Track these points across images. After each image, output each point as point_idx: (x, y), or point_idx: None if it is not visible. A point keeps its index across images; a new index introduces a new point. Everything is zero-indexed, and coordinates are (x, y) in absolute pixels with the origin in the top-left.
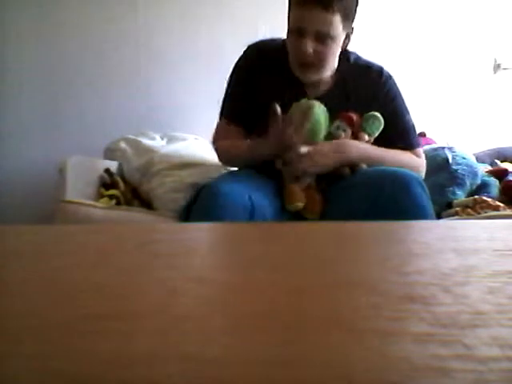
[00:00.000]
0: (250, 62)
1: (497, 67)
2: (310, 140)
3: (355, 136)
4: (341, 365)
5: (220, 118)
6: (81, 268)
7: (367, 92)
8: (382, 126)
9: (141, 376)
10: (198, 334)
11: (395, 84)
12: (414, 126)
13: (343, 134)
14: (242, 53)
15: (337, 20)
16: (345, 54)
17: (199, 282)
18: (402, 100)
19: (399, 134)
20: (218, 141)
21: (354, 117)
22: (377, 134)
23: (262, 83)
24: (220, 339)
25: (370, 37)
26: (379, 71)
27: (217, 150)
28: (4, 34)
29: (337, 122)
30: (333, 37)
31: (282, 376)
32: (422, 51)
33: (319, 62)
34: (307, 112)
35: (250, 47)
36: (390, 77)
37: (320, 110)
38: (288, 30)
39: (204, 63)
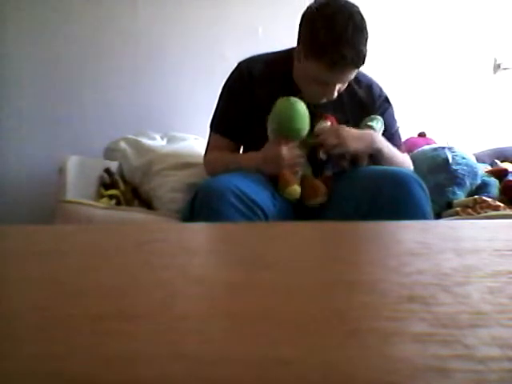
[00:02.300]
0: (241, 79)
1: (497, 67)
2: (296, 137)
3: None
4: (341, 365)
5: (210, 132)
6: (81, 268)
7: (362, 104)
8: (383, 126)
9: (141, 376)
10: (198, 334)
11: (386, 97)
12: (397, 130)
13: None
14: (232, 70)
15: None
16: None
17: (199, 281)
18: (393, 113)
19: (390, 139)
20: (207, 154)
21: (335, 121)
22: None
23: (258, 97)
24: (220, 339)
25: (370, 37)
26: (375, 89)
27: (204, 163)
28: (4, 34)
29: (322, 123)
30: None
31: (282, 376)
32: (422, 51)
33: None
34: (291, 108)
35: (240, 64)
36: (381, 90)
37: (303, 106)
38: (299, 51)
39: (204, 63)
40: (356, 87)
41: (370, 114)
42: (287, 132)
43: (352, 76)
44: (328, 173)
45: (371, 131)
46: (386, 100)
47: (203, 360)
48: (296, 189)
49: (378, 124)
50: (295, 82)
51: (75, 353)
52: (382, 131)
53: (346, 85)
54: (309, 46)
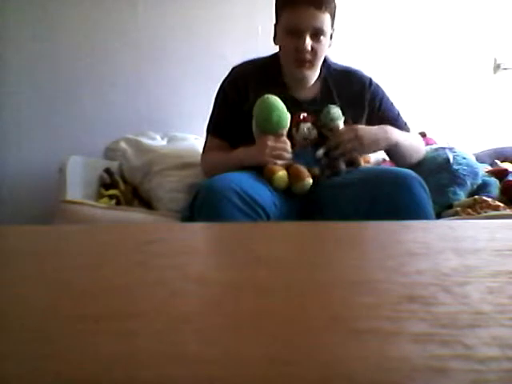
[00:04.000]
0: (234, 83)
1: (497, 67)
2: (278, 129)
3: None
4: (341, 365)
5: (207, 135)
6: (81, 268)
7: (352, 96)
8: (338, 110)
9: (141, 376)
10: (198, 334)
11: (376, 83)
12: (399, 112)
13: (315, 133)
14: (226, 75)
15: (327, 18)
16: (325, 60)
17: (199, 282)
18: (385, 93)
19: (393, 123)
20: (203, 155)
21: (301, 115)
22: (342, 117)
23: (250, 98)
24: (220, 339)
25: (370, 37)
26: (359, 75)
27: (201, 163)
28: (4, 34)
29: (306, 125)
30: (325, 33)
31: (282, 376)
32: (422, 51)
33: (315, 58)
34: (263, 104)
35: (234, 69)
36: (370, 78)
37: (275, 99)
38: (275, 33)
39: (204, 63)
40: (341, 78)
41: (360, 103)
42: (265, 126)
43: (321, 24)
44: (317, 171)
45: (384, 126)
46: (376, 86)
47: (203, 360)
48: (282, 175)
49: (330, 114)
50: (285, 81)
51: (75, 353)
52: (338, 116)
53: (322, 47)
54: (277, 3)
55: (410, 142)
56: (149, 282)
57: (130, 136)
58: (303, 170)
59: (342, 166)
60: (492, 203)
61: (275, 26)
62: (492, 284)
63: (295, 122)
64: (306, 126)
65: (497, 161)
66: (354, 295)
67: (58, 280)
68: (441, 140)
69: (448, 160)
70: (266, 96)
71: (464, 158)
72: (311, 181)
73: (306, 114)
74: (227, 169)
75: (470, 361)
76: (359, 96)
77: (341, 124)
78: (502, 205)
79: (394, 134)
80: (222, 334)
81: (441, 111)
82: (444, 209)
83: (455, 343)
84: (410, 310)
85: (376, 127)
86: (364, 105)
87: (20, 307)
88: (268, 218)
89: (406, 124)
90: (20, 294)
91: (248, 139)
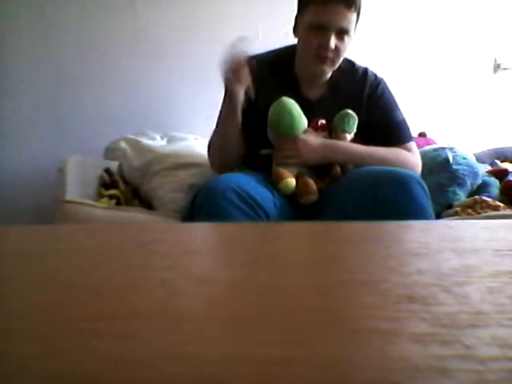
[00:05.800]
0: None
1: (497, 67)
2: (289, 133)
3: (337, 137)
4: (341, 365)
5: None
6: (81, 268)
7: (355, 92)
8: (357, 121)
9: (141, 376)
10: (198, 334)
11: (382, 81)
12: (404, 120)
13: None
14: None
15: (354, 18)
16: None
17: (199, 282)
18: (391, 96)
19: (389, 129)
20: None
21: (319, 122)
22: (355, 130)
23: (258, 91)
24: (220, 339)
25: (370, 37)
26: (364, 71)
27: (208, 158)
28: (4, 33)
29: (323, 134)
30: (350, 33)
31: (282, 376)
32: (422, 51)
33: (336, 57)
34: (278, 106)
35: None
36: (375, 75)
37: (291, 103)
38: (296, 24)
39: (204, 63)
40: (348, 76)
41: (363, 102)
42: (277, 129)
43: (347, 23)
44: (323, 186)
45: (335, 142)
46: (383, 87)
47: (203, 360)
48: (290, 182)
49: (349, 123)
50: (296, 75)
51: (74, 353)
52: (354, 127)
53: (344, 47)
54: None
55: (371, 155)
56: (149, 281)
57: (130, 136)
58: (312, 184)
59: (339, 171)
60: (492, 203)
61: (296, 17)
62: (492, 284)
63: (312, 128)
64: (321, 135)
65: (497, 161)
66: (354, 295)
67: (58, 280)
68: (441, 140)
69: (448, 160)
70: (282, 98)
71: (464, 158)
72: (316, 197)
73: (324, 121)
74: (225, 128)
75: (470, 361)
76: (366, 96)
77: (349, 137)
78: (502, 205)
79: (341, 152)
80: (222, 334)
81: (441, 111)
82: (444, 209)
83: (455, 343)
84: (411, 310)
85: (324, 142)
86: (364, 102)
87: (20, 307)
88: (268, 217)
89: (407, 133)
90: (20, 294)
91: (256, 137)
